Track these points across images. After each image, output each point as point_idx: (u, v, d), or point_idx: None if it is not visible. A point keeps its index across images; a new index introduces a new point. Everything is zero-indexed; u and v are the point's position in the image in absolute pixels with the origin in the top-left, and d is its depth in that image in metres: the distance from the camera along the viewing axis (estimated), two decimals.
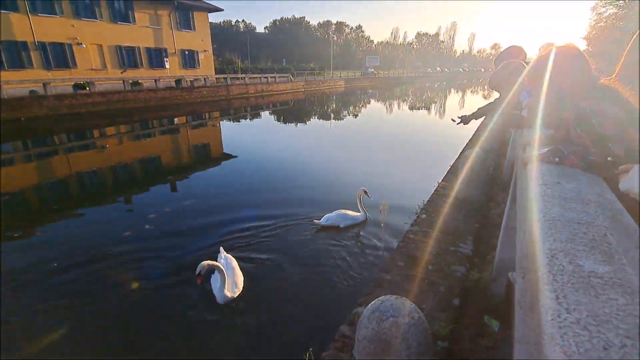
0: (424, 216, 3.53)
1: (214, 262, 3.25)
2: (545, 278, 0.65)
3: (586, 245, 0.75)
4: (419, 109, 23.33)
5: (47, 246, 4.57)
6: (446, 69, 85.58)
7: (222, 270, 3.20)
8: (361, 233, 4.83)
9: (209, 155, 10.82)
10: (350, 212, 4.98)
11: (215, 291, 3.27)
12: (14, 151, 10.89)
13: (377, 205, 4.70)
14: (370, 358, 1.21)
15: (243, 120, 17.99)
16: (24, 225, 5.36)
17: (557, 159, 1.32)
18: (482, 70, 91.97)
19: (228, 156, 9.91)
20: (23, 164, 9.69)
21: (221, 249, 3.91)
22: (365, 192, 5.01)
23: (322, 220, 4.85)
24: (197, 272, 3.11)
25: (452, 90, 42.56)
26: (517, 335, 0.76)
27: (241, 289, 3.38)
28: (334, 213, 4.90)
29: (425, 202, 4.08)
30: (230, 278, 3.32)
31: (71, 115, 16.46)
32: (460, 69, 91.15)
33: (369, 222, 5.06)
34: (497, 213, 4.27)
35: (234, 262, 3.64)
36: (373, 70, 58.79)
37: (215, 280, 3.35)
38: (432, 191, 4.47)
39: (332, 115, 19.98)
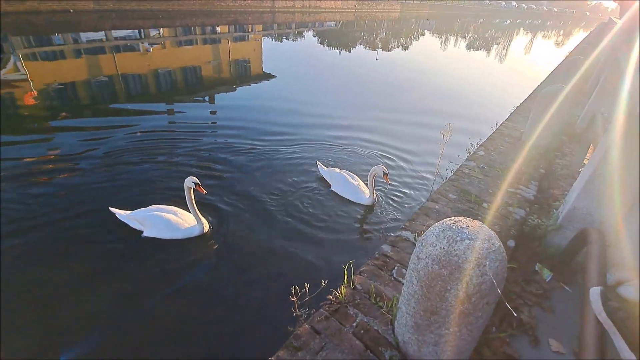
0: (481, 152, 3.15)
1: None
2: None
3: None
4: (481, 47, 20.66)
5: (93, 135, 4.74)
6: (524, 5, 72.99)
7: None
8: (412, 163, 4.43)
9: (248, 72, 10.38)
10: (361, 186, 3.63)
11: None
12: (64, 44, 11.05)
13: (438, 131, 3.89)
14: (429, 279, 1.04)
15: (285, 39, 16.82)
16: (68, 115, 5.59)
17: None
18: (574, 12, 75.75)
19: (268, 76, 9.46)
20: (74, 59, 9.84)
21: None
22: (385, 175, 3.27)
23: (323, 172, 3.94)
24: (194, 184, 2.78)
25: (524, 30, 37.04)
26: None
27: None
28: (343, 174, 3.71)
29: (483, 140, 3.65)
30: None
31: (116, 12, 16.15)
32: (546, 7, 75.99)
33: (418, 155, 4.46)
34: (562, 164, 3.79)
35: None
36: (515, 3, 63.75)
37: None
38: (494, 130, 3.98)
39: (380, 44, 18.19)
